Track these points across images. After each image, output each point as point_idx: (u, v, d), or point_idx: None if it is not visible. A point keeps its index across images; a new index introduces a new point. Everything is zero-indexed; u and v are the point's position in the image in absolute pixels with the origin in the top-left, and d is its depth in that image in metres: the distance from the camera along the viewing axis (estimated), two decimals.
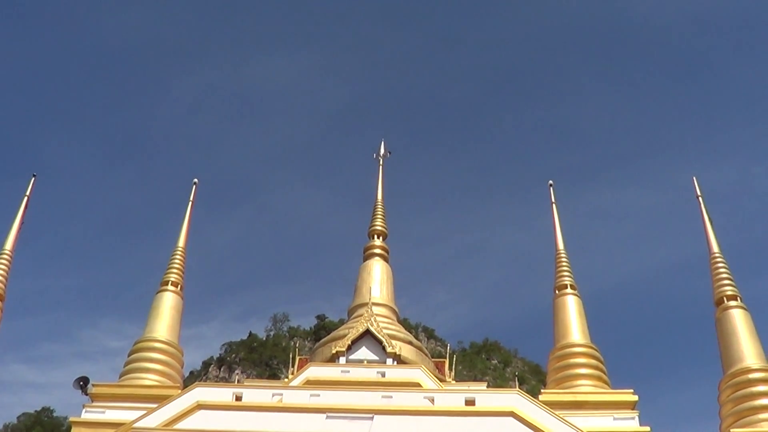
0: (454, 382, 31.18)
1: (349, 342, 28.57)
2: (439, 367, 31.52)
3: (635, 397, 25.59)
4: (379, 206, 36.32)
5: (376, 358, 28.21)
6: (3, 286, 26.94)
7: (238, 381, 79.76)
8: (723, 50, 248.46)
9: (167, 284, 29.39)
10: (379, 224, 35.53)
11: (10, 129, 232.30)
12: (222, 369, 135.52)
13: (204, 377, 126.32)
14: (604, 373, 27.05)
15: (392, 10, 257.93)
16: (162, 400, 23.79)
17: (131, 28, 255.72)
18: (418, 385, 25.31)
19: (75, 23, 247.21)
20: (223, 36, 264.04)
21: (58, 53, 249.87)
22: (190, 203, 32.19)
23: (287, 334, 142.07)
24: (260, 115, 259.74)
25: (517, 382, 55.31)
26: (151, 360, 27.23)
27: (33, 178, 30.60)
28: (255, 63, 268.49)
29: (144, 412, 23.04)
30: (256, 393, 23.69)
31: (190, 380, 75.92)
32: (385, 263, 34.19)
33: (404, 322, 35.84)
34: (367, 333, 28.81)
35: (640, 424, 24.83)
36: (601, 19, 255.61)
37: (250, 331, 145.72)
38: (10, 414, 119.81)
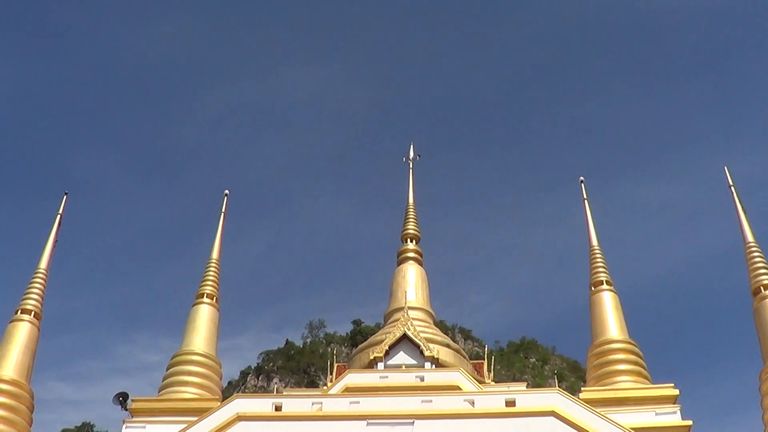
0: (493, 383, 31.05)
1: (387, 347, 28.52)
2: (477, 369, 31.40)
3: (676, 391, 25.43)
4: (411, 210, 36.23)
5: (414, 362, 28.14)
6: (39, 305, 27.15)
7: (277, 389, 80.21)
8: (750, 37, 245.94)
9: (203, 297, 29.50)
10: (411, 228, 35.45)
11: (42, 148, 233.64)
12: (260, 378, 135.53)
13: (242, 387, 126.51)
14: (644, 368, 26.90)
15: (415, 13, 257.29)
16: (202, 412, 23.88)
17: (158, 43, 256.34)
18: (457, 387, 25.23)
19: (103, 40, 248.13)
20: (249, 48, 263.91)
21: (86, 70, 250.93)
22: (222, 215, 32.39)
23: (324, 341, 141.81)
24: (288, 124, 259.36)
25: (556, 380, 55.08)
26: (190, 373, 27.33)
27: (65, 196, 30.80)
28: (281, 73, 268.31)
29: (184, 425, 23.17)
30: (296, 402, 23.66)
31: (228, 390, 76.27)
32: (419, 266, 34.11)
33: (440, 324, 35.71)
34: (405, 337, 28.75)
35: (683, 418, 24.66)
36: (625, 12, 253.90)
37: (287, 339, 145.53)
38: (51, 431, 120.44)
